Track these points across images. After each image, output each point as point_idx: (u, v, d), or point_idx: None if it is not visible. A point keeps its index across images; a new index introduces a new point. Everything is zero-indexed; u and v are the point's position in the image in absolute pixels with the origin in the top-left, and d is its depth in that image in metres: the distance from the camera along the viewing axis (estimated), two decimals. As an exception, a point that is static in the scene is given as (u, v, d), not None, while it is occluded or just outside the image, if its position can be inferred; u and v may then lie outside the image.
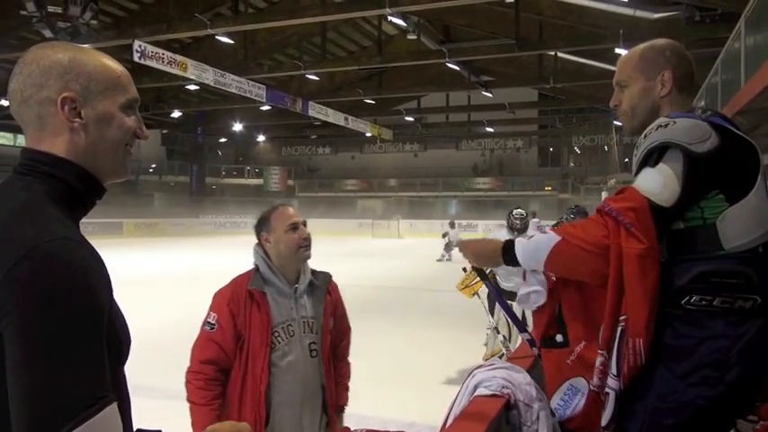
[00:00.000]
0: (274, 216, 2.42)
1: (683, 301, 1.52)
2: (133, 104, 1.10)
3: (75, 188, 1.02)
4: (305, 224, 2.41)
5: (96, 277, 0.91)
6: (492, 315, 6.24)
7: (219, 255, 21.83)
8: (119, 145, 1.07)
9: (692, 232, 1.54)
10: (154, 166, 38.34)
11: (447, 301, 7.15)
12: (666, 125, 1.56)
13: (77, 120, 1.02)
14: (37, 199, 0.96)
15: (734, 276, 1.50)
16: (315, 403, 2.38)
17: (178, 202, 37.24)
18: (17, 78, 1.02)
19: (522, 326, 2.22)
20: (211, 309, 2.35)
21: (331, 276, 2.55)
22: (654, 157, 1.56)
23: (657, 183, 1.54)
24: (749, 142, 1.58)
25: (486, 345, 6.48)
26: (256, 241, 2.45)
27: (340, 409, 2.55)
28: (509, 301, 5.75)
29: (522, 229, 6.28)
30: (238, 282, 2.38)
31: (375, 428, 2.29)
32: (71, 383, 0.84)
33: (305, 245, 2.37)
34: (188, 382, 2.29)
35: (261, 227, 2.44)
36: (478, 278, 6.09)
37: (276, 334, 2.31)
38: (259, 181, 42.83)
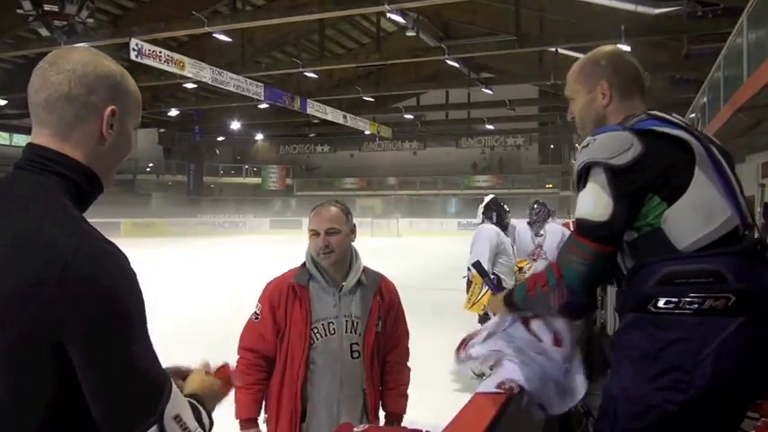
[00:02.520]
0: (310, 217, 2.46)
1: (649, 305, 1.51)
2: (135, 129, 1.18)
3: (82, 188, 1.06)
4: (333, 231, 2.38)
5: (133, 273, 0.99)
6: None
7: (219, 255, 21.79)
8: (123, 159, 1.16)
9: (645, 239, 1.56)
10: (151, 165, 38.30)
11: (447, 299, 7.11)
12: (588, 144, 1.62)
13: (110, 132, 1.08)
14: (61, 200, 1.00)
15: (701, 275, 1.47)
16: (354, 406, 2.36)
17: (176, 202, 37.16)
18: (67, 75, 1.04)
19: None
20: (259, 299, 2.44)
21: (383, 277, 2.54)
22: (583, 178, 1.62)
23: (589, 202, 1.58)
24: (681, 139, 1.57)
25: None
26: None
27: (396, 416, 2.50)
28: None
29: (537, 222, 6.36)
30: (286, 275, 2.44)
31: (375, 426, 2.27)
32: (148, 372, 0.95)
33: (322, 252, 2.37)
34: None
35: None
36: (483, 292, 6.03)
37: (315, 330, 2.33)
38: (257, 180, 42.79)
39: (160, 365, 0.98)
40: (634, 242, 1.58)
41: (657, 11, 16.33)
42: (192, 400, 1.06)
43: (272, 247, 21.20)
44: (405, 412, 2.52)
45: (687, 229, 1.51)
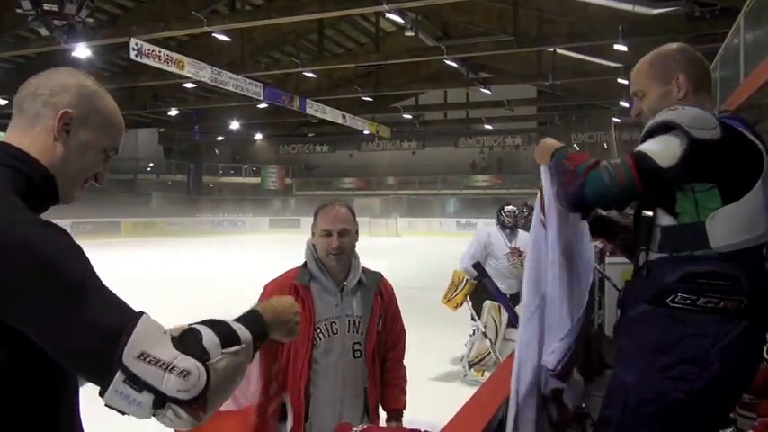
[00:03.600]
0: (319, 216, 2.44)
1: (668, 299, 1.58)
2: (111, 154, 1.21)
3: (35, 184, 1.09)
4: (345, 232, 2.39)
5: (68, 236, 1.01)
6: (480, 318, 6.03)
7: (219, 254, 21.78)
8: (80, 175, 1.17)
9: (683, 230, 1.60)
10: (151, 164, 38.24)
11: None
12: (675, 109, 1.64)
13: (63, 135, 1.12)
14: (5, 190, 1.02)
15: (721, 278, 1.55)
16: (356, 405, 2.37)
17: (175, 201, 37.13)
18: (42, 78, 1.15)
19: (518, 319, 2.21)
20: (259, 300, 2.33)
21: (382, 276, 2.56)
22: (657, 133, 1.62)
23: (659, 145, 1.58)
24: (756, 146, 1.62)
25: (467, 345, 6.31)
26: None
27: (396, 411, 2.51)
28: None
29: (512, 227, 6.01)
30: (287, 275, 2.43)
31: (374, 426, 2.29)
32: (97, 322, 0.94)
33: (333, 253, 2.37)
34: None
35: (313, 223, 2.47)
36: (459, 290, 6.03)
37: (318, 330, 2.34)
38: (256, 179, 42.74)
39: (117, 306, 0.97)
40: (670, 228, 1.62)
41: (655, 11, 16.38)
42: (221, 320, 1.05)
43: (271, 246, 21.23)
44: (405, 408, 2.54)
45: (731, 232, 1.56)
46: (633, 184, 1.55)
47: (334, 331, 2.36)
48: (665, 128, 1.60)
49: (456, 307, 6.06)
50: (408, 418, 2.43)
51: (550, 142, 1.82)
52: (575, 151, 1.73)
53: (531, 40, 19.15)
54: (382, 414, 2.53)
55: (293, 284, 2.36)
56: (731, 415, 2.61)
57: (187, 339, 0.98)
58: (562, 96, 30.45)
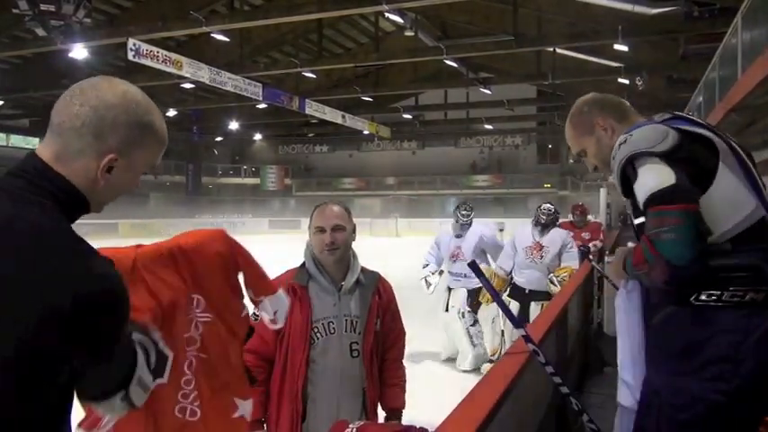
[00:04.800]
0: (313, 215, 2.46)
1: (691, 298, 1.54)
2: (151, 168, 1.19)
3: (71, 212, 1.07)
4: (339, 228, 2.40)
5: (119, 275, 1.05)
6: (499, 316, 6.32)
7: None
8: (121, 193, 1.16)
9: None
10: (149, 165, 38.08)
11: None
12: (625, 141, 1.66)
13: (106, 175, 1.09)
14: (62, 223, 1.03)
15: (743, 270, 1.51)
16: (354, 404, 2.37)
17: (174, 202, 37.06)
18: (87, 111, 1.06)
19: (517, 321, 2.25)
20: None
21: (380, 276, 2.55)
22: (630, 172, 1.63)
23: (651, 178, 1.57)
24: (705, 137, 1.64)
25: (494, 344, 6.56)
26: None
27: (396, 411, 2.51)
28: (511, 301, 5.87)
29: (546, 225, 6.15)
30: (284, 276, 2.42)
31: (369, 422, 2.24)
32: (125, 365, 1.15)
33: (327, 249, 2.37)
34: None
35: (309, 224, 2.49)
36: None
37: (315, 329, 2.34)
38: (256, 180, 42.70)
39: (130, 356, 1.17)
40: None
41: (654, 11, 16.38)
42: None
43: (272, 248, 21.12)
44: (404, 407, 2.53)
45: (715, 219, 1.55)
46: (685, 210, 1.51)
47: (332, 331, 2.36)
48: (632, 163, 1.62)
49: (488, 302, 6.21)
50: (408, 418, 2.39)
51: (617, 264, 1.79)
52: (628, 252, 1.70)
53: (531, 40, 19.12)
54: (381, 414, 2.52)
55: (290, 284, 2.35)
56: None
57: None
58: (562, 96, 30.41)
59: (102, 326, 1.01)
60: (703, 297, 1.53)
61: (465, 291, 6.63)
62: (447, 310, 6.74)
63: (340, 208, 2.46)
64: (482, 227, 6.96)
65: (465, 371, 6.34)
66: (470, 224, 6.80)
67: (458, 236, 6.79)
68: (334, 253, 2.37)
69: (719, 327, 1.51)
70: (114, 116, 1.08)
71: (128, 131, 1.09)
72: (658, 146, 1.58)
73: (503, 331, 6.18)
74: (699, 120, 1.74)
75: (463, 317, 6.53)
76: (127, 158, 1.10)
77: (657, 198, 1.54)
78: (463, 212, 6.80)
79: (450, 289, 6.84)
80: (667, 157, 1.56)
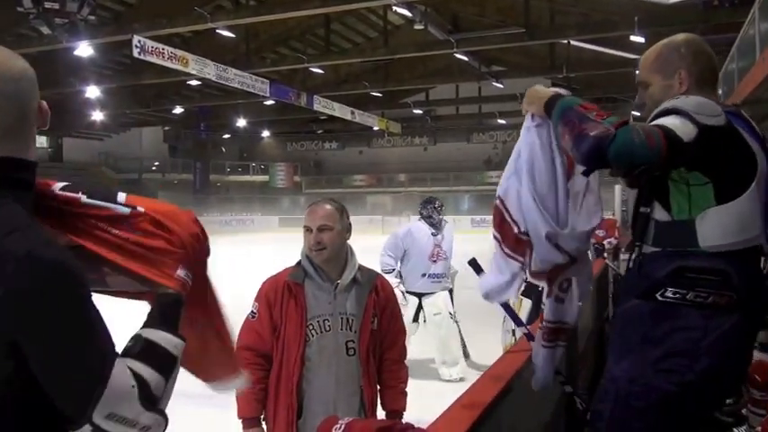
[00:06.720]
0: (305, 214, 2.51)
1: (657, 293, 1.59)
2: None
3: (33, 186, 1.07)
4: (325, 228, 2.41)
5: (76, 264, 1.00)
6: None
7: (227, 254, 21.50)
8: None
9: (675, 224, 1.61)
10: (157, 163, 38.22)
11: (461, 298, 6.82)
12: (678, 98, 1.64)
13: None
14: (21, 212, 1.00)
15: (711, 273, 1.55)
16: (351, 404, 2.38)
17: (182, 201, 36.70)
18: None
19: (519, 320, 2.26)
20: (255, 298, 2.47)
21: (378, 275, 2.57)
22: (662, 115, 1.58)
23: (677, 125, 1.52)
24: (750, 147, 1.60)
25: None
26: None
27: (396, 413, 2.51)
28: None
29: (438, 224, 6.09)
30: (281, 273, 2.48)
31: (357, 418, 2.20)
32: (93, 356, 0.98)
33: (314, 249, 2.40)
34: None
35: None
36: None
37: (310, 327, 2.36)
38: (264, 177, 42.60)
39: (102, 353, 0.99)
40: (663, 224, 1.63)
41: (672, 0, 15.92)
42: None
43: (282, 246, 20.90)
44: (405, 410, 2.53)
45: (720, 233, 1.56)
46: (660, 151, 1.45)
47: (327, 328, 2.38)
48: (673, 113, 1.57)
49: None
50: (412, 419, 2.21)
51: (544, 90, 1.79)
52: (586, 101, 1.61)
53: (543, 33, 18.84)
54: (381, 414, 2.52)
55: (285, 282, 2.41)
56: (743, 412, 2.74)
57: (147, 390, 1.00)
58: (577, 89, 29.86)
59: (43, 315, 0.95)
60: (669, 294, 1.58)
61: (447, 292, 6.24)
62: (423, 320, 6.10)
63: (330, 207, 2.46)
64: (450, 222, 6.63)
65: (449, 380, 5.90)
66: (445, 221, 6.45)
67: (434, 234, 6.21)
68: (321, 253, 2.39)
69: (680, 324, 1.56)
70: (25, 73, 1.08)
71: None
72: (703, 117, 1.54)
73: (513, 330, 5.84)
74: (756, 128, 1.68)
75: (453, 318, 6.16)
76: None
77: (666, 129, 1.49)
78: (439, 208, 6.32)
79: (419, 295, 6.12)
80: (701, 132, 1.51)
